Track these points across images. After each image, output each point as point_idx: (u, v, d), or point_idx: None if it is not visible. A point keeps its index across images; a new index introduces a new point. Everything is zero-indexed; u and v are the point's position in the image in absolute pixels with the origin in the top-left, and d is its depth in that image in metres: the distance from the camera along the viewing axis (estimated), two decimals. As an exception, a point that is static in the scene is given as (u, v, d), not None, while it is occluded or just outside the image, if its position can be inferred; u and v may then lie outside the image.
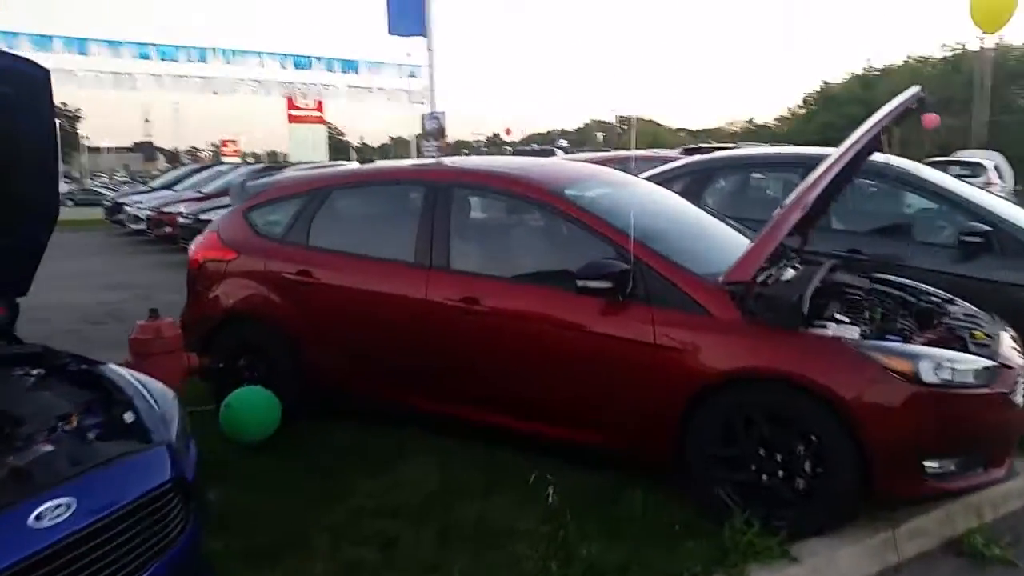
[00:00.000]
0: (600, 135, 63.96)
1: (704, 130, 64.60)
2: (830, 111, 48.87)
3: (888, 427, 3.05)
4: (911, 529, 3.28)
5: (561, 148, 29.37)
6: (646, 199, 4.48)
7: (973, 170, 15.29)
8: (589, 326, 3.54)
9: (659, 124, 78.92)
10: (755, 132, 57.55)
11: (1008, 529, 3.50)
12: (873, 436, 3.04)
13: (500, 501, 3.34)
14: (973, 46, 40.85)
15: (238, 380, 4.30)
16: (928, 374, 3.08)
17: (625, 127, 76.74)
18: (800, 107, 56.72)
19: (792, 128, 53.41)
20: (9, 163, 2.66)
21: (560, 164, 4.69)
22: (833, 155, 3.52)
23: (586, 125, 79.95)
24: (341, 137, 44.09)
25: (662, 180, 6.01)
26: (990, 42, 41.58)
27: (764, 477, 3.21)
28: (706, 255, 3.77)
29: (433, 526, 3.14)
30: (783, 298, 3.30)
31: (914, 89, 3.81)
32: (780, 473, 3.19)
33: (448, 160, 5.37)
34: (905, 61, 50.72)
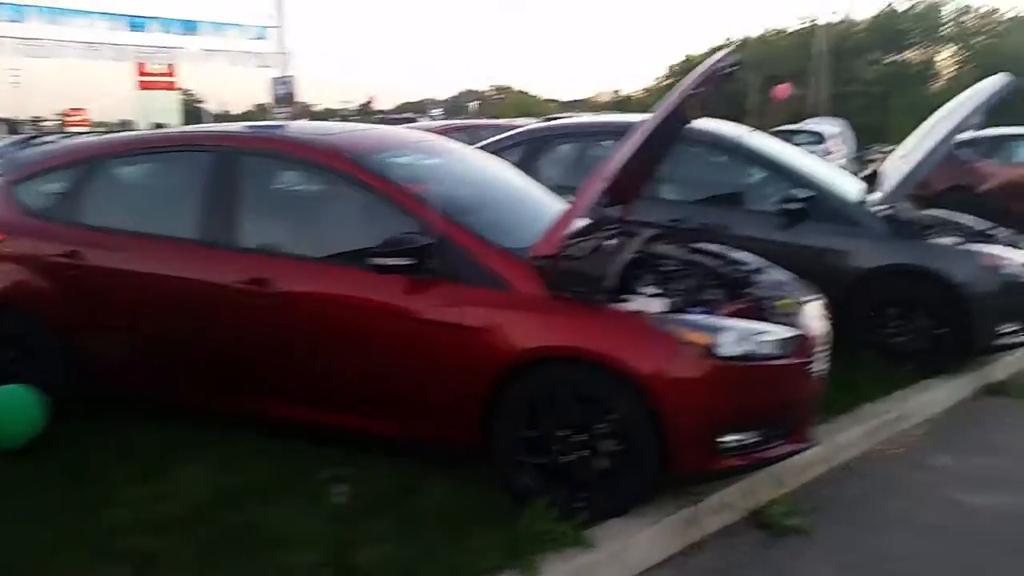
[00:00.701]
0: (474, 104, 63.45)
1: (574, 101, 65.29)
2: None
3: (686, 402, 2.97)
4: (715, 504, 3.24)
5: (434, 117, 28.84)
6: (465, 169, 4.24)
7: (817, 138, 16.00)
8: (388, 307, 3.27)
9: (531, 95, 79.07)
10: (622, 103, 58.62)
11: (810, 496, 3.55)
12: (671, 412, 2.95)
13: (284, 504, 3.04)
14: (824, 20, 43.27)
15: (3, 377, 3.78)
16: (727, 347, 3.01)
17: (502, 96, 76.51)
18: (665, 78, 58.27)
19: (657, 99, 54.69)
20: None
21: (370, 130, 4.36)
22: (641, 124, 3.37)
23: (461, 94, 79.10)
24: (199, 104, 41.58)
25: (497, 149, 5.80)
26: (837, 17, 44.16)
27: (566, 459, 3.07)
28: (523, 229, 3.56)
29: (200, 538, 2.81)
30: (586, 272, 3.16)
31: (725, 53, 3.72)
32: (581, 454, 3.06)
33: (239, 125, 4.92)
34: (762, 34, 52.80)
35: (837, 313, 4.88)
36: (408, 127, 7.73)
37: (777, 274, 3.90)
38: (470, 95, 74.69)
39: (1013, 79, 4.91)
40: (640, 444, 3.00)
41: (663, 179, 5.53)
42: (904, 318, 4.85)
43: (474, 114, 49.59)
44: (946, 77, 44.03)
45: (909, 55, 45.42)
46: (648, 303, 3.17)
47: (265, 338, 3.48)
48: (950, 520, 3.41)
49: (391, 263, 3.14)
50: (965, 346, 4.83)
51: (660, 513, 3.08)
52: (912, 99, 34.69)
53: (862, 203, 5.03)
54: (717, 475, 3.17)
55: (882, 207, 4.93)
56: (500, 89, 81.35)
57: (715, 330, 3.04)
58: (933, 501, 3.58)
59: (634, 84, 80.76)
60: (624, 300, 3.16)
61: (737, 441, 3.06)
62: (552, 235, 3.12)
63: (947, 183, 9.54)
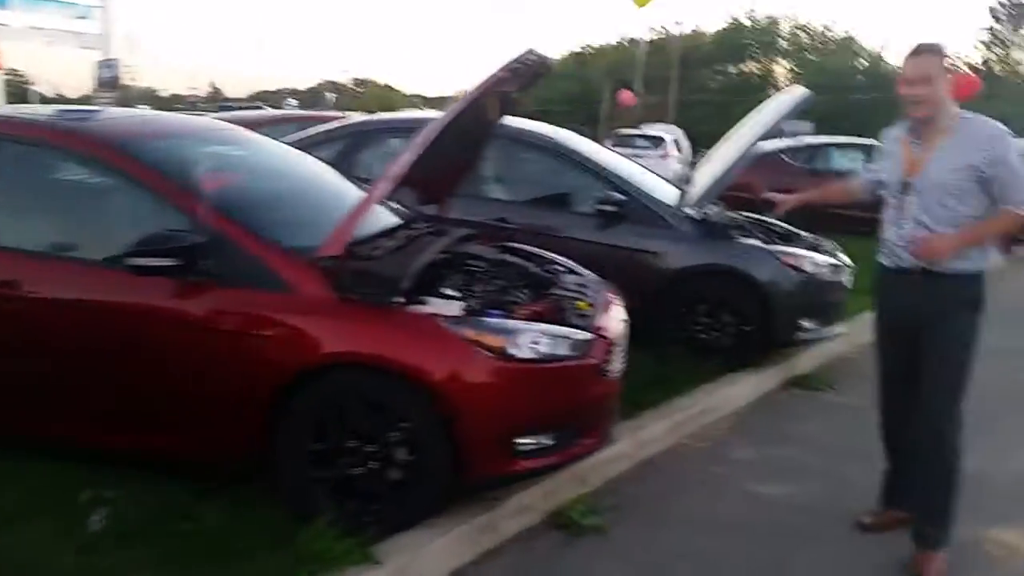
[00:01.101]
0: (331, 96, 61.66)
1: (440, 97, 65.02)
2: (547, 87, 51.46)
3: (479, 406, 2.89)
4: (514, 507, 3.20)
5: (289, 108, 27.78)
6: (260, 162, 3.98)
7: (655, 142, 16.63)
8: (155, 312, 3.00)
9: (394, 89, 78.00)
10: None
11: (612, 494, 3.58)
12: (464, 417, 2.86)
13: (35, 530, 2.71)
14: (674, 31, 45.25)
15: None
16: (522, 349, 2.96)
17: (362, 90, 74.98)
18: (526, 78, 59.10)
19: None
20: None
21: (152, 117, 4.05)
22: (433, 121, 3.26)
23: (320, 85, 76.83)
24: (28, 86, 38.11)
25: (317, 143, 5.57)
26: (686, 28, 46.27)
27: (358, 471, 2.92)
28: (319, 228, 3.37)
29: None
30: (378, 273, 3.02)
31: (528, 50, 3.64)
32: (372, 466, 2.92)
33: (29, 110, 4.42)
34: (617, 42, 54.54)
35: (651, 311, 5.06)
36: (225, 117, 7.27)
37: (583, 276, 3.91)
38: (330, 87, 72.75)
39: (810, 94, 5.21)
40: (433, 452, 2.90)
41: (489, 178, 5.51)
42: (712, 315, 5.04)
43: (330, 106, 48.39)
44: (782, 88, 47.08)
45: (750, 67, 48.30)
46: (445, 305, 3.07)
47: (15, 348, 3.11)
48: (748, 513, 3.53)
49: (153, 264, 2.86)
50: (768, 341, 5.07)
51: (454, 522, 2.99)
52: (751, 108, 36.52)
53: (674, 206, 5.18)
54: (515, 479, 3.12)
55: (692, 210, 5.09)
56: (361, 82, 79.83)
57: (510, 333, 2.98)
58: (732, 494, 3.70)
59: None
60: (420, 302, 3.05)
61: (534, 443, 3.01)
62: (338, 234, 2.96)
63: (771, 188, 10.06)
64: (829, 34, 47.46)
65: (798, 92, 5.31)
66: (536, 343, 3.00)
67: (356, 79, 79.56)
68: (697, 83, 45.18)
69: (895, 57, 47.34)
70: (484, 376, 2.90)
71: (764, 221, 5.94)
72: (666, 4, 70.87)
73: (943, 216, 2.89)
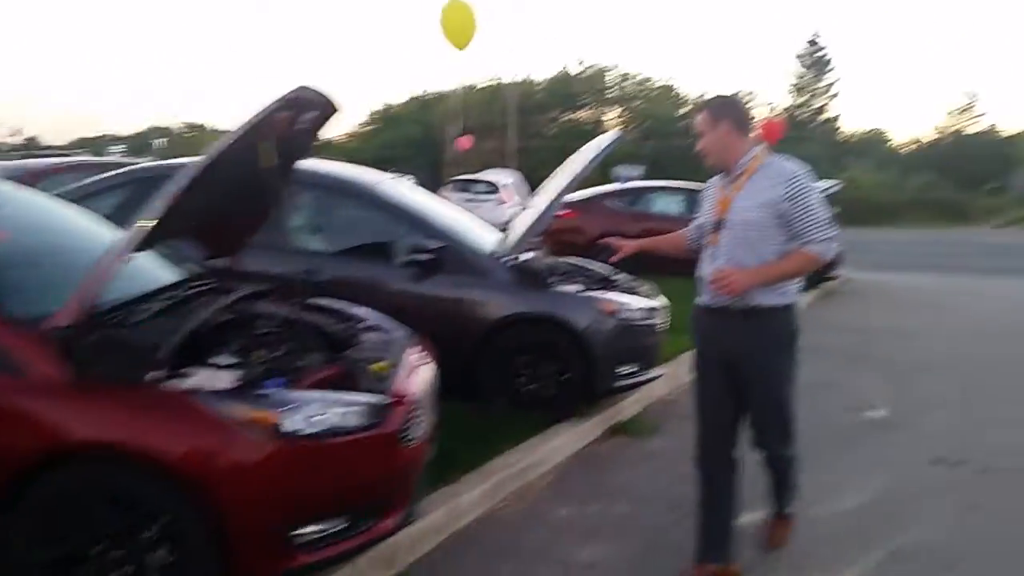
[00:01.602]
0: (161, 141, 58.30)
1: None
2: (391, 130, 51.42)
3: (245, 495, 2.51)
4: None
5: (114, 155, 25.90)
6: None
7: (492, 187, 16.76)
8: None
9: (217, 130, 74.89)
10: (324, 147, 57.87)
11: (427, 569, 3.27)
12: (230, 508, 2.48)
13: None
14: (508, 79, 46.47)
15: None
16: (298, 424, 2.61)
17: (193, 134, 71.37)
18: (365, 125, 58.72)
19: (357, 145, 55.05)
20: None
21: None
22: (186, 168, 2.84)
23: (148, 130, 72.58)
24: None
25: (92, 192, 5.01)
26: (519, 76, 47.66)
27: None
28: (59, 293, 2.86)
29: None
30: (124, 344, 2.59)
31: (296, 90, 3.25)
32: (124, 572, 2.46)
33: None
34: (456, 88, 55.34)
35: (471, 364, 4.85)
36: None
37: (388, 331, 3.63)
38: (157, 132, 68.90)
39: (619, 135, 5.28)
40: (195, 550, 2.48)
41: (298, 228, 5.13)
42: (533, 365, 4.88)
43: (160, 153, 45.62)
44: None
45: (582, 114, 50.45)
46: (213, 378, 2.69)
47: None
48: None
49: None
50: (591, 389, 4.97)
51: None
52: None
53: (492, 254, 5.02)
54: (296, 574, 2.74)
55: (509, 257, 4.95)
56: (193, 127, 76.21)
57: (287, 406, 2.63)
58: (548, 563, 3.46)
59: (336, 129, 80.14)
60: (182, 376, 2.64)
61: (318, 531, 2.66)
62: (75, 300, 2.51)
63: (598, 231, 10.26)
64: (650, 84, 50.44)
65: (607, 136, 5.34)
66: (318, 415, 2.67)
67: (187, 123, 75.94)
68: (534, 129, 46.53)
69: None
70: (250, 459, 2.53)
71: (583, 266, 5.92)
72: (501, 52, 73.03)
73: (748, 253, 2.96)
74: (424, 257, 4.74)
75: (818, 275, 11.86)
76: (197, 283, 3.46)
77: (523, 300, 4.88)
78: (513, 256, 4.96)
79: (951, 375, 7.06)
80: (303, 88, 3.01)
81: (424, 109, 52.31)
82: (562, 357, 4.87)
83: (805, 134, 41.56)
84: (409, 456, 2.99)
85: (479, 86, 53.46)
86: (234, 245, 3.82)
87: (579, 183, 5.22)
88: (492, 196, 16.44)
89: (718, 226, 3.06)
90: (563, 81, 49.83)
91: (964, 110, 46.61)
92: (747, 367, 3.04)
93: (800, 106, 46.32)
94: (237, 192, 3.36)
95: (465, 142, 35.32)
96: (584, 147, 5.47)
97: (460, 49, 11.04)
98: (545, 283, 4.96)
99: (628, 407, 5.43)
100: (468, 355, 4.81)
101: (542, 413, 4.81)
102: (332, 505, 2.71)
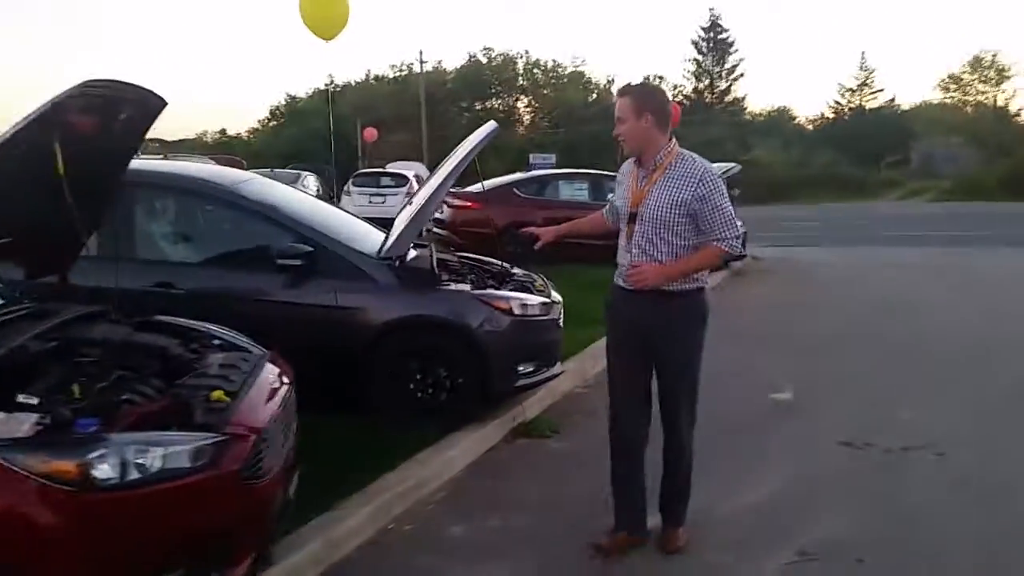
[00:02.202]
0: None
1: (180, 140, 60.37)
2: (296, 124, 50.01)
3: (46, 556, 2.13)
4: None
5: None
6: None
7: (400, 180, 16.30)
8: None
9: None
10: (227, 143, 55.88)
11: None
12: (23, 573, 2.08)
13: None
14: (417, 68, 45.81)
15: None
16: (109, 472, 2.21)
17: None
18: (269, 120, 56.99)
19: (264, 139, 53.36)
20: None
21: None
22: None
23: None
24: None
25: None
26: (429, 65, 46.98)
27: None
28: None
29: None
30: None
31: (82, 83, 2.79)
32: None
33: None
34: (363, 79, 54.28)
35: (356, 375, 4.49)
36: None
37: (239, 351, 3.23)
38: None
39: (495, 128, 5.01)
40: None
41: (154, 236, 4.64)
42: (425, 371, 4.55)
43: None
44: (524, 124, 49.38)
45: (494, 103, 50.12)
46: (10, 422, 2.26)
47: None
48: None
49: None
50: (486, 392, 4.67)
51: None
52: (497, 144, 38.10)
53: (373, 255, 4.64)
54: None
55: (390, 257, 4.60)
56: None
57: (93, 452, 2.22)
58: (438, 590, 3.17)
59: (240, 125, 77.60)
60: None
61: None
62: None
63: (505, 220, 9.98)
64: (559, 70, 50.53)
65: (484, 129, 5.04)
66: (136, 460, 2.27)
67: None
68: (445, 119, 45.98)
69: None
70: (53, 518, 2.12)
71: (476, 262, 5.62)
72: (407, 41, 71.85)
73: (661, 246, 3.11)
74: (290, 262, 4.33)
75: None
76: (11, 308, 2.99)
77: (408, 303, 4.54)
78: (395, 256, 4.60)
79: (859, 353, 7.06)
80: (108, 84, 2.60)
81: (330, 101, 51.13)
82: (454, 360, 4.55)
83: (711, 117, 42.35)
84: (258, 494, 2.61)
85: (389, 76, 52.69)
86: (60, 261, 3.37)
87: (456, 178, 4.89)
88: (400, 189, 15.98)
89: (632, 218, 3.16)
90: (473, 70, 49.41)
91: (862, 84, 48.33)
92: (660, 343, 3.17)
93: (703, 90, 47.11)
94: (49, 203, 2.92)
95: (370, 134, 34.56)
96: (464, 140, 5.15)
97: (327, 40, 10.43)
98: (432, 283, 4.62)
99: (531, 407, 5.16)
100: (353, 365, 4.45)
101: (436, 422, 4.50)
102: (164, 559, 2.32)
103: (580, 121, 42.14)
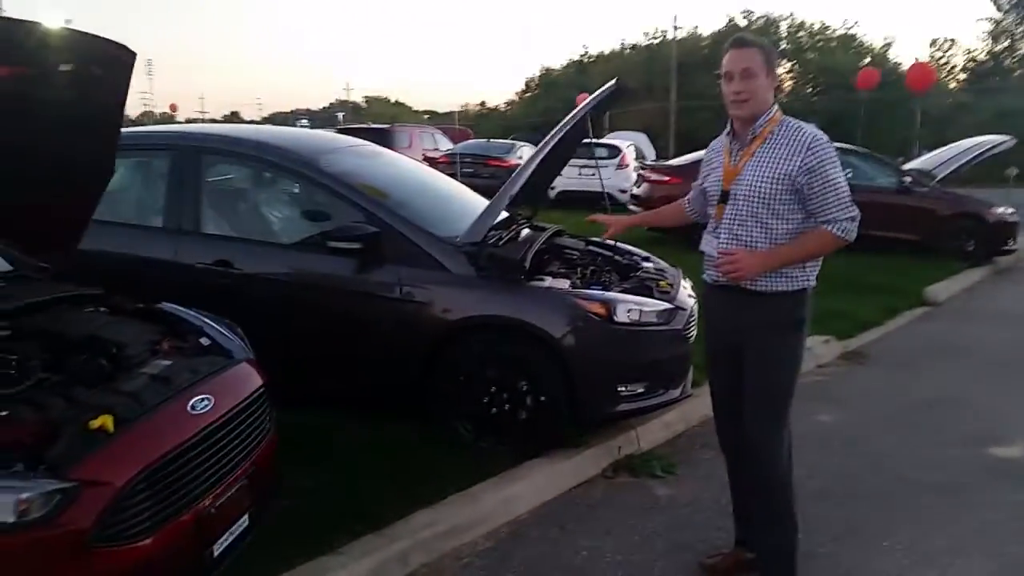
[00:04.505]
0: (342, 114, 61.12)
1: (451, 112, 64.00)
2: (551, 95, 50.44)
3: None
4: None
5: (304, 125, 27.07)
6: None
7: (613, 151, 15.33)
8: None
9: (406, 105, 77.52)
10: (487, 115, 58.10)
11: None
12: None
13: None
14: (671, 35, 44.09)
15: None
16: None
17: (373, 106, 74.22)
18: (525, 91, 58.25)
19: (519, 111, 54.70)
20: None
21: None
22: None
23: (333, 104, 76.73)
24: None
25: None
26: (683, 31, 44.97)
27: None
28: None
29: None
30: None
31: None
32: None
33: None
34: (616, 49, 53.55)
35: (421, 381, 3.85)
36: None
37: (204, 358, 2.67)
38: (342, 106, 72.49)
39: (616, 83, 4.02)
40: None
41: (213, 209, 4.26)
42: (499, 383, 3.76)
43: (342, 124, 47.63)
44: (785, 91, 45.73)
45: (751, 69, 46.85)
46: None
47: None
48: None
49: None
50: (576, 416, 3.79)
51: None
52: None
53: (453, 239, 3.91)
54: None
55: (469, 242, 3.84)
56: (373, 99, 79.32)
57: None
58: None
59: (497, 96, 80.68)
60: None
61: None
62: None
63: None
64: (828, 33, 46.08)
65: (605, 88, 4.07)
66: None
67: (369, 96, 79.42)
68: (696, 88, 43.87)
69: (900, 53, 45.94)
70: None
71: (611, 249, 4.70)
72: (648, 8, 69.56)
73: (758, 230, 2.62)
74: (347, 244, 3.72)
75: (990, 247, 9.67)
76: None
77: (483, 299, 3.76)
78: (475, 241, 3.84)
79: None
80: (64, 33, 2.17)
81: (582, 72, 50.81)
82: (535, 373, 3.72)
83: (1008, 84, 35.99)
84: (119, 562, 2.01)
85: (642, 44, 51.34)
86: (60, 237, 3.04)
87: (564, 146, 4.01)
88: (613, 160, 15.01)
89: (724, 198, 2.68)
90: (730, 35, 46.44)
91: None
92: (747, 354, 2.70)
93: (1001, 53, 40.15)
94: (27, 173, 2.60)
95: (580, 98, 33.62)
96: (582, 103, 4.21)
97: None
98: (516, 276, 3.79)
99: (647, 435, 4.20)
100: (415, 369, 3.80)
101: (509, 445, 3.73)
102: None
103: (848, 89, 37.97)
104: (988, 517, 3.47)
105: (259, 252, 3.99)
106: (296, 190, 4.24)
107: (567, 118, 3.97)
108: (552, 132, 3.97)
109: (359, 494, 3.27)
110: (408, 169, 4.96)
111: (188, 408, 2.31)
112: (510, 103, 60.60)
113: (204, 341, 2.80)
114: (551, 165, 4.33)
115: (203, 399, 2.37)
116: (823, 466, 3.97)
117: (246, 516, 2.47)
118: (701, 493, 3.67)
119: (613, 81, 4.05)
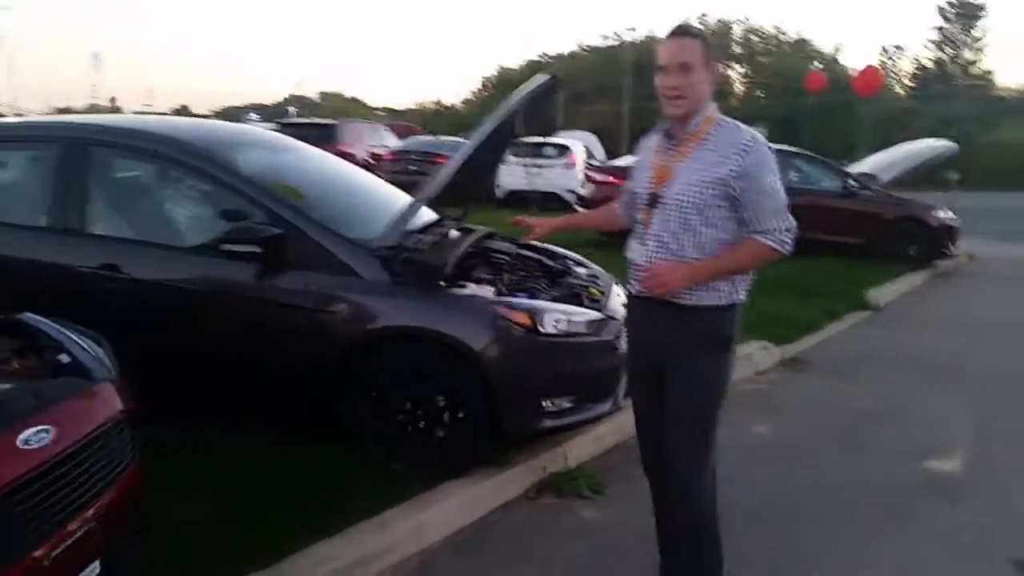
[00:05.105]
0: (294, 109, 60.01)
1: (407, 110, 63.19)
2: (505, 94, 50.21)
3: None
4: None
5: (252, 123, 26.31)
6: None
7: (561, 150, 15.12)
8: None
9: (358, 101, 76.57)
10: (442, 113, 57.57)
11: None
12: None
13: None
14: (627, 36, 44.22)
15: None
16: None
17: (323, 103, 72.96)
18: (481, 90, 57.97)
19: (474, 109, 54.37)
20: None
21: None
22: None
23: (286, 100, 75.36)
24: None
25: None
26: (640, 35, 45.09)
27: None
28: None
29: None
30: None
31: None
32: None
33: None
34: (574, 50, 53.61)
35: (332, 396, 3.55)
36: None
37: (65, 380, 2.35)
38: (295, 101, 71.14)
39: (549, 79, 3.76)
40: None
41: (102, 208, 3.90)
42: (417, 399, 3.49)
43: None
44: (737, 95, 46.27)
45: (705, 72, 47.32)
46: None
47: None
48: None
49: None
50: (498, 433, 3.54)
51: None
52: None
53: (365, 242, 3.62)
54: None
55: (384, 246, 3.56)
56: (328, 95, 78.03)
57: None
58: None
59: (453, 95, 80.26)
60: None
61: None
62: None
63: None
64: (781, 37, 46.77)
65: (535, 80, 3.81)
66: None
67: (323, 92, 78.21)
68: (651, 90, 44.12)
69: (850, 58, 46.70)
70: None
71: (544, 253, 4.46)
72: (605, 9, 70.01)
73: (687, 238, 2.41)
74: (241, 248, 3.40)
75: (932, 251, 9.71)
76: None
77: (396, 308, 3.48)
78: (389, 244, 3.56)
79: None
80: None
81: (539, 72, 50.52)
82: (453, 387, 3.45)
83: (952, 91, 36.87)
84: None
85: (599, 46, 51.39)
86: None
87: (500, 140, 3.75)
88: (561, 160, 14.81)
89: (653, 201, 2.46)
90: (684, 37, 46.83)
91: None
92: (669, 367, 2.49)
93: (946, 61, 41.17)
94: None
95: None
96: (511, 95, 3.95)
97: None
98: (432, 283, 3.52)
99: (576, 451, 3.96)
100: (322, 385, 3.51)
101: (427, 466, 3.46)
102: None
103: (799, 92, 38.54)
104: (926, 541, 3.31)
105: (150, 255, 3.63)
106: (194, 187, 3.87)
107: (494, 114, 3.71)
108: (479, 128, 3.70)
109: (254, 524, 2.97)
110: (326, 166, 4.64)
111: (17, 442, 1.99)
112: (466, 102, 60.29)
113: (63, 358, 2.47)
114: (481, 163, 4.06)
115: (40, 431, 2.04)
116: (759, 484, 3.79)
117: (97, 562, 2.15)
118: (629, 515, 3.43)
119: (548, 76, 3.79)
